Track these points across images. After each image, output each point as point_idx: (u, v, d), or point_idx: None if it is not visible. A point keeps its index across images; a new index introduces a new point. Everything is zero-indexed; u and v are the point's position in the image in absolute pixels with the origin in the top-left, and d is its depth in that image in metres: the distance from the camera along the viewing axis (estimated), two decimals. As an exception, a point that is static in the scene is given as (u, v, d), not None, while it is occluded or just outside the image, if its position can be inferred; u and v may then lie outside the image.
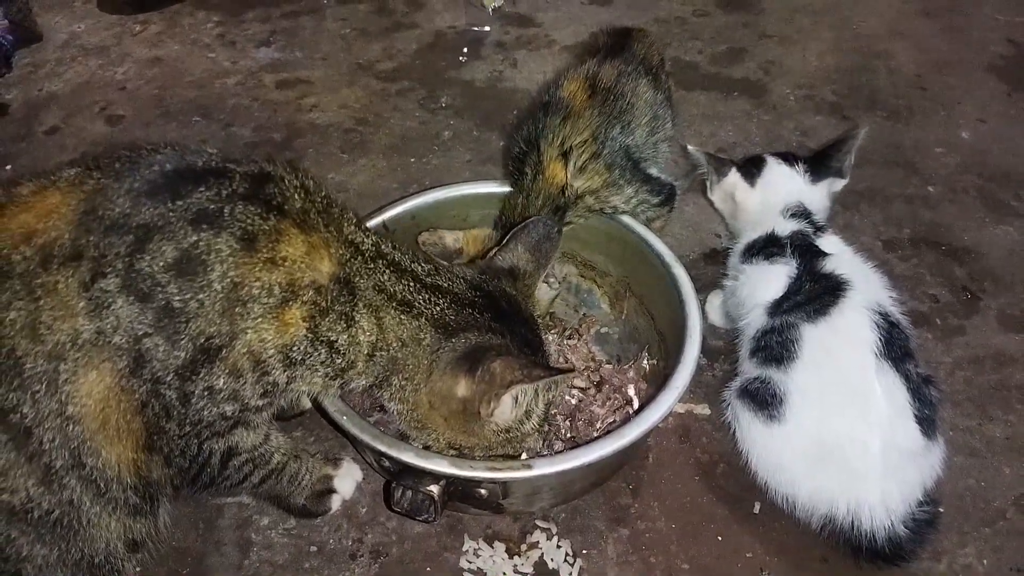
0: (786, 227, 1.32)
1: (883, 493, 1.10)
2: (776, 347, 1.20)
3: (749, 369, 1.26)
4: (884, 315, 1.17)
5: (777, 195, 1.37)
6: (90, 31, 2.47)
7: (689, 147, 1.47)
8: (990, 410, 1.40)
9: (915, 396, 1.13)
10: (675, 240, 1.65)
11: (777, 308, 1.24)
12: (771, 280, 1.26)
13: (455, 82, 2.23)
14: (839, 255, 1.28)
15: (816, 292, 1.21)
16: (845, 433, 1.12)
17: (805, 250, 1.28)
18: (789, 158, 1.41)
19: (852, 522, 1.11)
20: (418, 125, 2.08)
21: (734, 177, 1.41)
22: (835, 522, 1.13)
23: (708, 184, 1.47)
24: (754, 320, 1.27)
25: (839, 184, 1.39)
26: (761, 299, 1.26)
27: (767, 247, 1.31)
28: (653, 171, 1.46)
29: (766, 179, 1.39)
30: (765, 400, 1.18)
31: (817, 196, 1.37)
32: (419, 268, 1.05)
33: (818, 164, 1.38)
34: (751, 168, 1.41)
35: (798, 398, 1.16)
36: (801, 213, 1.34)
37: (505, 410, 1.03)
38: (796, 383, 1.16)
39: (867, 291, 1.20)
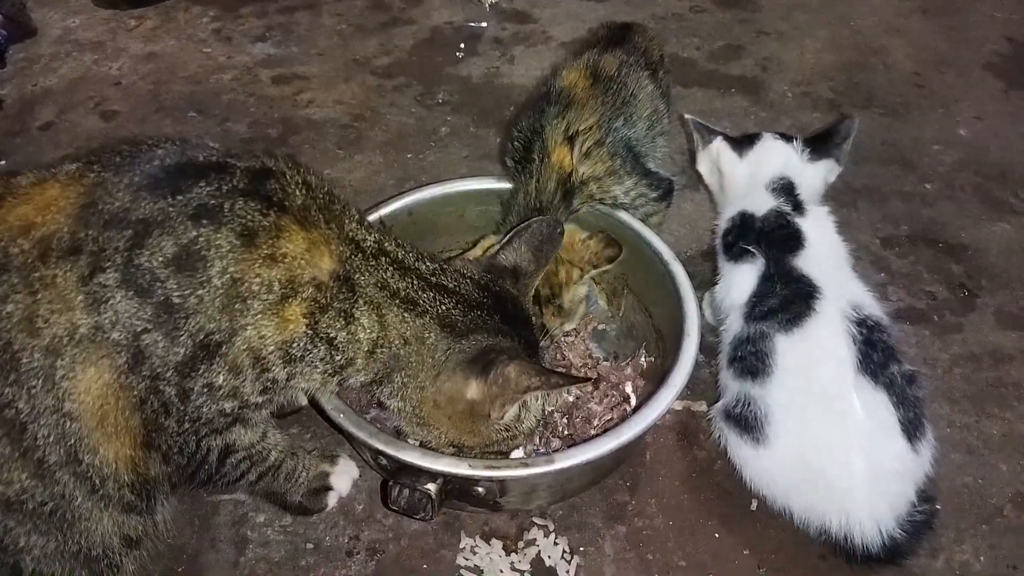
0: (764, 204, 1.30)
1: (871, 509, 1.10)
2: (751, 358, 1.18)
3: (728, 383, 1.24)
4: (860, 321, 1.15)
5: (767, 167, 1.35)
6: (85, 26, 2.46)
7: (686, 115, 1.46)
8: (987, 407, 1.40)
9: (899, 403, 1.11)
10: (672, 237, 1.65)
11: (751, 312, 1.22)
12: (741, 280, 1.26)
13: (452, 78, 2.23)
14: (811, 247, 1.25)
15: (788, 299, 1.19)
16: (827, 452, 1.11)
17: (776, 241, 1.26)
18: (786, 136, 1.40)
19: (845, 536, 1.11)
20: (415, 121, 2.07)
21: (719, 144, 1.40)
22: (829, 533, 1.13)
23: (697, 152, 1.46)
24: (732, 324, 1.26)
25: (835, 172, 1.39)
26: (735, 300, 1.26)
27: (738, 240, 1.29)
28: (651, 166, 1.46)
29: (758, 152, 1.38)
30: (749, 424, 1.16)
31: (811, 175, 1.35)
32: (424, 267, 1.04)
33: (816, 144, 1.37)
34: (744, 142, 1.40)
35: (780, 417, 1.14)
36: (785, 188, 1.32)
37: (512, 412, 1.03)
38: (776, 401, 1.15)
39: (840, 293, 1.18)
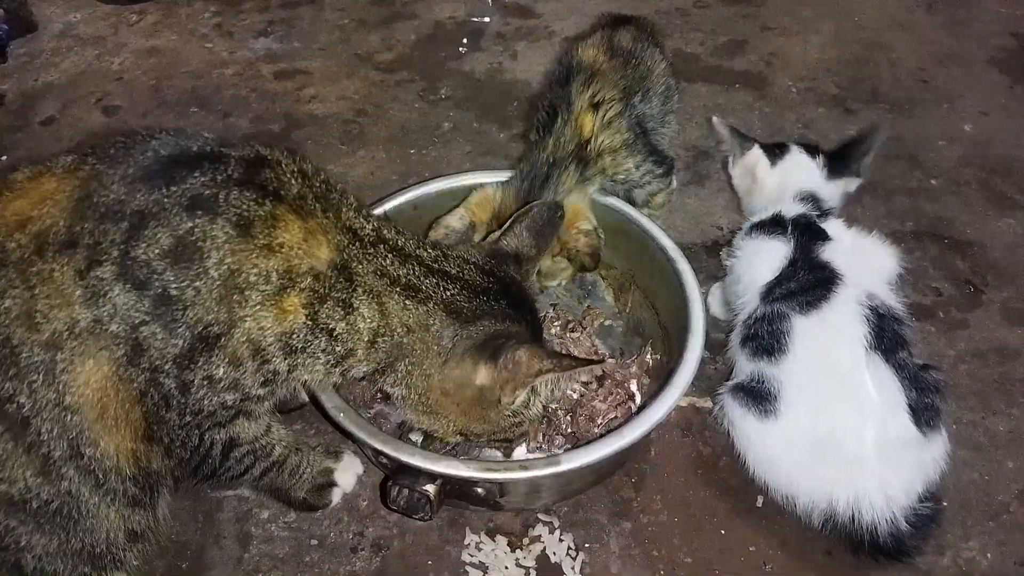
0: (793, 209, 1.32)
1: (882, 482, 1.10)
2: (766, 337, 1.19)
3: (741, 363, 1.25)
4: (874, 308, 1.17)
5: (794, 180, 1.37)
6: (86, 21, 2.45)
7: (714, 119, 1.46)
8: (993, 404, 1.40)
9: (911, 385, 1.13)
10: (677, 232, 1.64)
11: (769, 292, 1.23)
12: (767, 255, 1.26)
13: (455, 73, 2.22)
14: (838, 240, 1.27)
15: (809, 283, 1.21)
16: (840, 425, 1.12)
17: (805, 229, 1.27)
18: (812, 150, 1.41)
19: (853, 515, 1.11)
20: (418, 116, 2.06)
21: (757, 152, 1.40)
22: (836, 517, 1.13)
23: (730, 159, 1.46)
24: (748, 302, 1.26)
25: (854, 184, 1.40)
26: (756, 275, 1.26)
27: (770, 225, 1.31)
28: (660, 146, 1.51)
29: (787, 164, 1.39)
30: (759, 396, 1.17)
31: (830, 191, 1.38)
32: (425, 253, 1.03)
33: (837, 161, 1.39)
34: (776, 151, 1.41)
35: (792, 393, 1.15)
36: (811, 199, 1.34)
37: (521, 397, 1.02)
38: (789, 377, 1.16)
39: (859, 283, 1.20)
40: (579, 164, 1.34)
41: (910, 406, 1.12)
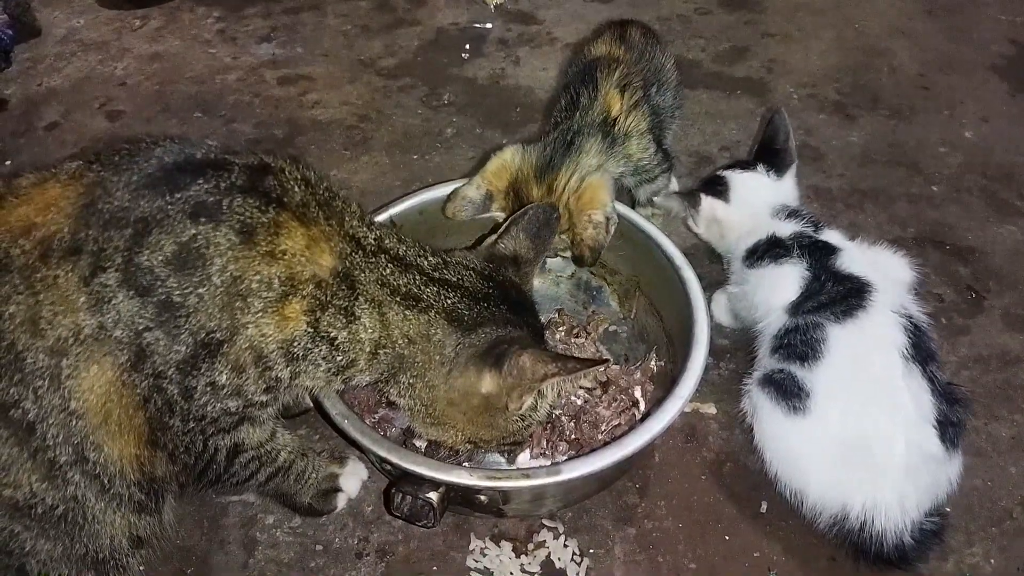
0: (785, 229, 1.32)
1: (901, 493, 1.10)
2: (800, 345, 1.19)
3: (771, 363, 1.24)
4: (910, 317, 1.18)
5: (757, 203, 1.38)
6: (89, 26, 2.46)
7: (654, 199, 1.49)
8: (996, 409, 1.40)
9: (941, 399, 1.13)
10: (679, 237, 1.64)
11: (798, 308, 1.23)
12: (784, 282, 1.26)
13: (457, 79, 2.23)
14: (850, 250, 1.27)
15: (841, 293, 1.21)
16: (872, 431, 1.12)
17: (813, 248, 1.27)
18: (744, 164, 1.43)
19: (864, 522, 1.11)
20: (421, 122, 2.07)
21: (707, 201, 1.40)
22: (844, 522, 1.13)
23: (690, 221, 1.46)
24: (773, 321, 1.26)
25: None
26: (777, 302, 1.26)
27: (771, 249, 1.31)
28: (666, 142, 1.53)
29: (738, 190, 1.40)
30: (790, 391, 1.17)
31: (788, 188, 1.40)
32: (425, 262, 1.03)
33: (773, 159, 1.40)
34: (716, 187, 1.41)
35: (824, 394, 1.15)
36: (793, 213, 1.34)
37: (528, 402, 1.02)
38: (821, 380, 1.16)
39: (890, 292, 1.21)
40: (605, 136, 1.34)
41: (939, 421, 1.12)
